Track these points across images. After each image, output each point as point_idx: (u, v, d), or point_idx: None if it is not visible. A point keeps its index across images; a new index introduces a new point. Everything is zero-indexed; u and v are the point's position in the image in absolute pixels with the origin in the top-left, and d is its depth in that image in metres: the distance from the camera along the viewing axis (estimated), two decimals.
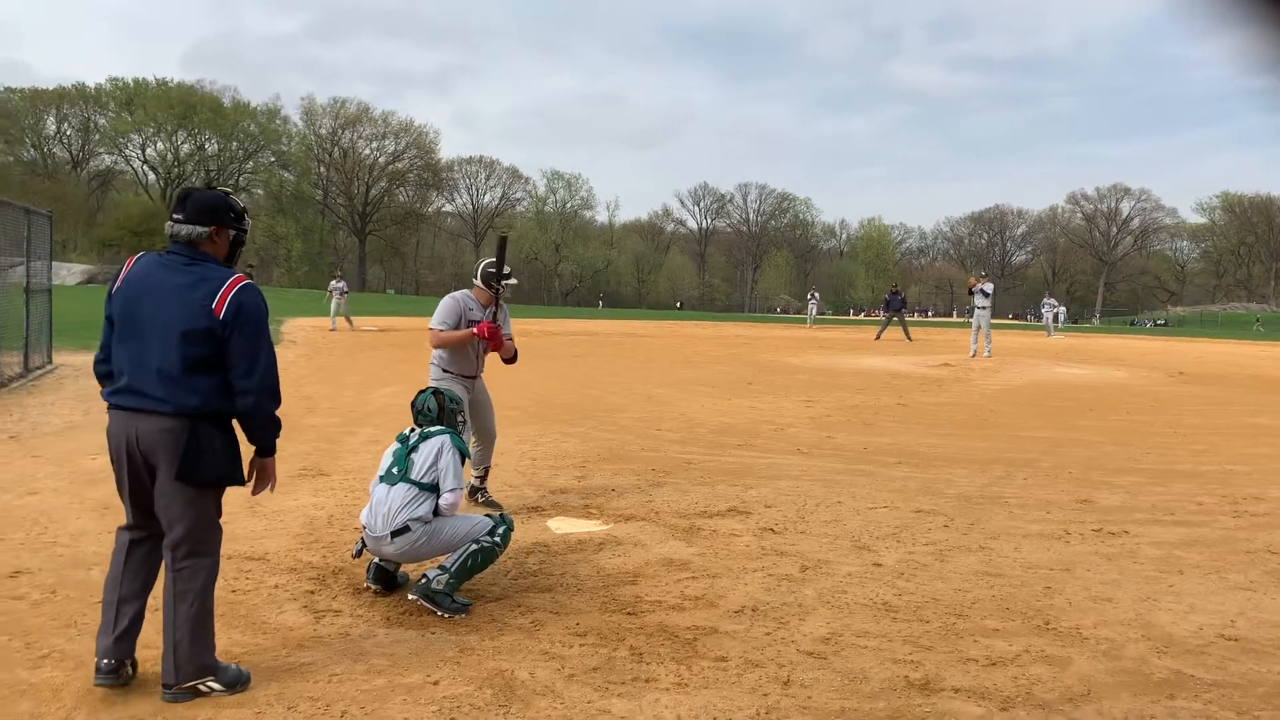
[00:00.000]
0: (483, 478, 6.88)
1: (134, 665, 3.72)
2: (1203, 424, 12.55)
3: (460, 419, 5.17)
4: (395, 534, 4.59)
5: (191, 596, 3.65)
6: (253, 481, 3.84)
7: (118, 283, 3.68)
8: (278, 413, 3.77)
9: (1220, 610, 4.90)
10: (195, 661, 3.62)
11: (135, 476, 3.66)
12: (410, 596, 4.61)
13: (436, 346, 6.64)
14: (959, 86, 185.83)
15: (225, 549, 4.54)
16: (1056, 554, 5.92)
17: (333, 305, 28.41)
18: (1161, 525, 6.71)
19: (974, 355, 23.64)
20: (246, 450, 3.81)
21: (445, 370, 6.59)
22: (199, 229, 3.61)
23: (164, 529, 3.69)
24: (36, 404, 11.08)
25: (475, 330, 6.49)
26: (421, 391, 5.13)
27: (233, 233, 3.73)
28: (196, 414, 3.56)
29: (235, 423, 3.74)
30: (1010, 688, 3.87)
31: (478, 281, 6.67)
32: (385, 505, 4.64)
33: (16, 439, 8.86)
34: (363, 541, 4.76)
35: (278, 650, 4.08)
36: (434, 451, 4.74)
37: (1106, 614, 4.81)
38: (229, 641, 4.13)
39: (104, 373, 3.74)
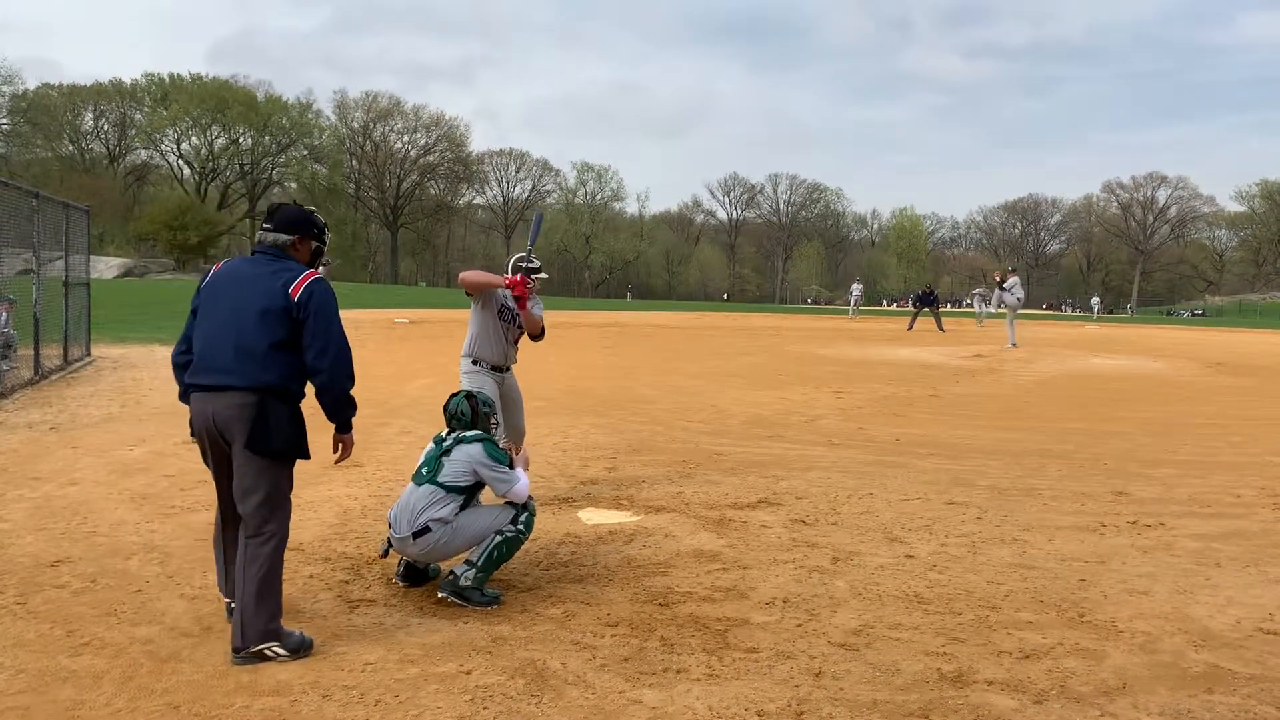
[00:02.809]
0: None
1: None
2: (1241, 415, 12.37)
3: (494, 421, 5.14)
4: (417, 535, 4.62)
5: (259, 563, 3.93)
6: (338, 454, 4.25)
7: (206, 279, 4.14)
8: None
9: (1259, 603, 4.83)
10: (258, 626, 3.86)
11: (219, 454, 4.03)
12: (440, 595, 4.62)
13: (467, 283, 6.44)
14: (982, 74, 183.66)
15: None
16: (1091, 546, 5.86)
17: None
18: (1199, 518, 6.63)
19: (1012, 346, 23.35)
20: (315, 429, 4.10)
21: (475, 362, 6.54)
22: (284, 236, 4.10)
23: (237, 500, 4.00)
24: (75, 395, 11.26)
25: (506, 281, 6.33)
26: (454, 395, 5.08)
27: (315, 243, 4.22)
28: (266, 390, 3.91)
29: (305, 402, 4.08)
30: (1044, 681, 3.84)
31: (509, 274, 6.60)
32: (410, 506, 4.67)
33: (57, 430, 9.01)
34: (390, 540, 4.80)
35: (312, 639, 4.12)
36: (467, 459, 4.72)
37: (1142, 607, 4.76)
38: None
39: (183, 363, 4.12)
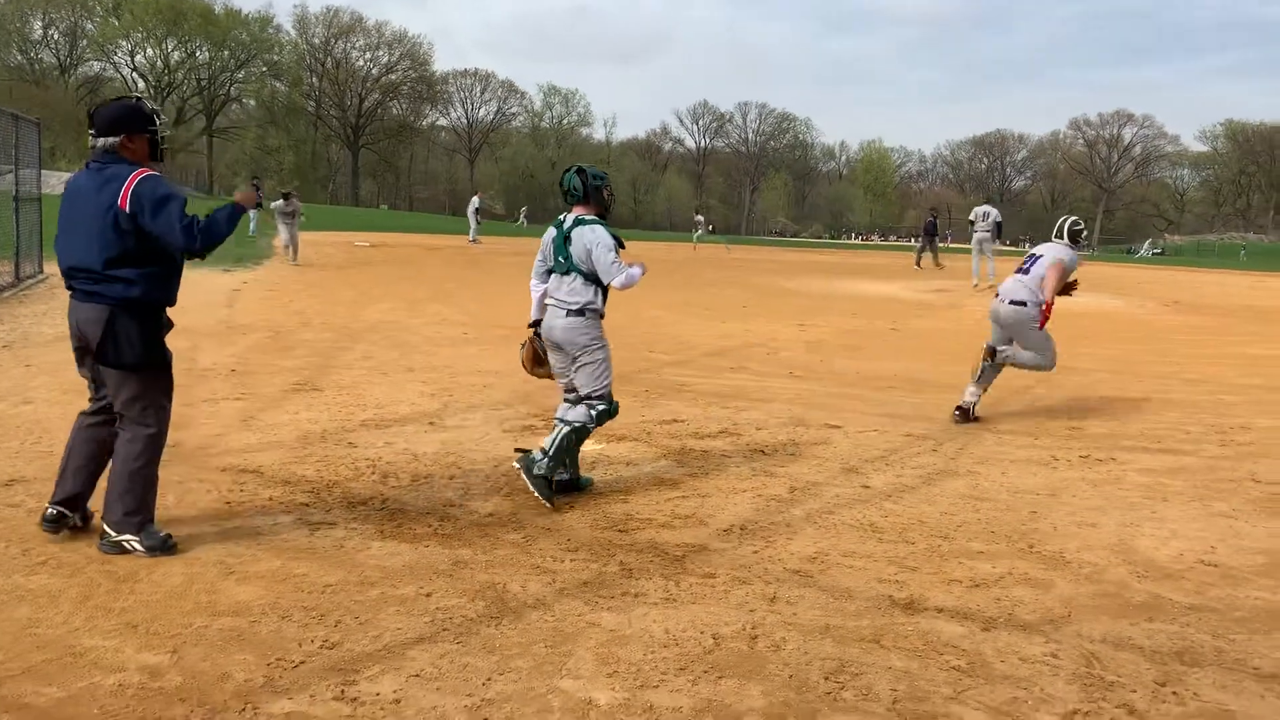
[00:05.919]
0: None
1: (84, 518, 4.28)
2: (1195, 353, 12.60)
3: (607, 193, 5.13)
4: (571, 312, 4.94)
5: (124, 455, 4.06)
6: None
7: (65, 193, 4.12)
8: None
9: (1201, 536, 4.97)
10: (118, 514, 4.04)
11: (84, 353, 4.09)
12: (514, 465, 5.08)
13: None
14: (948, 6, 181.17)
15: (220, 462, 4.61)
16: (1043, 479, 5.99)
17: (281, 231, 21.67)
18: (1149, 453, 6.78)
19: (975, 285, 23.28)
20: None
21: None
22: (110, 139, 3.97)
23: (111, 399, 4.12)
24: (29, 314, 11.05)
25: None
26: (567, 170, 5.16)
27: (147, 135, 4.06)
28: (116, 304, 3.92)
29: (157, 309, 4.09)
30: (993, 609, 3.95)
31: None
32: (566, 287, 4.97)
33: (9, 348, 8.85)
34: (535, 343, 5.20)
35: (272, 561, 4.13)
36: (585, 246, 4.89)
37: (1090, 539, 4.88)
38: (225, 553, 4.18)
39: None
